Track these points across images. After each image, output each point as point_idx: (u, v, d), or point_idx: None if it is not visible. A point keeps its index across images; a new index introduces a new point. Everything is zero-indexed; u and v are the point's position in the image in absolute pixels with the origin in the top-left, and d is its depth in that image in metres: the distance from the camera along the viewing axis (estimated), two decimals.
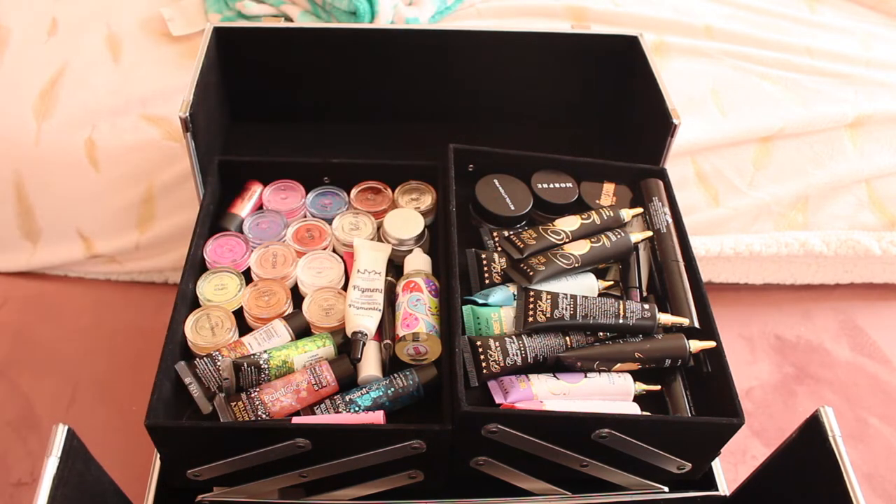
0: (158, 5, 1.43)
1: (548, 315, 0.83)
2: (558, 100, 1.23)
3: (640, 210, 0.98)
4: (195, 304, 0.90)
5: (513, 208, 0.98)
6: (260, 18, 1.35)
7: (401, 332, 0.84)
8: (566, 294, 0.85)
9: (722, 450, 0.81)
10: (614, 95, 1.20)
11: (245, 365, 0.82)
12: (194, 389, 0.81)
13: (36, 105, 1.27)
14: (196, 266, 0.92)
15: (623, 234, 0.92)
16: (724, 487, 0.88)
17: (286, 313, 0.89)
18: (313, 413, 0.80)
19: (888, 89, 1.40)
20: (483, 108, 1.23)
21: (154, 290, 1.42)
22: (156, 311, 1.37)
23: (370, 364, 0.85)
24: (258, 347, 0.85)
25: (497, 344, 0.81)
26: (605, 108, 1.23)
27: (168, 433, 0.75)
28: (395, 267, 0.96)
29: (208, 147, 1.06)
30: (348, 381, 0.84)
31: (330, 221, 1.00)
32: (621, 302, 0.85)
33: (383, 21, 1.30)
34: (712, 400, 0.82)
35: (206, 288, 0.91)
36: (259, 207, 1.03)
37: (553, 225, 0.94)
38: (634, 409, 0.82)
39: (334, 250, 0.99)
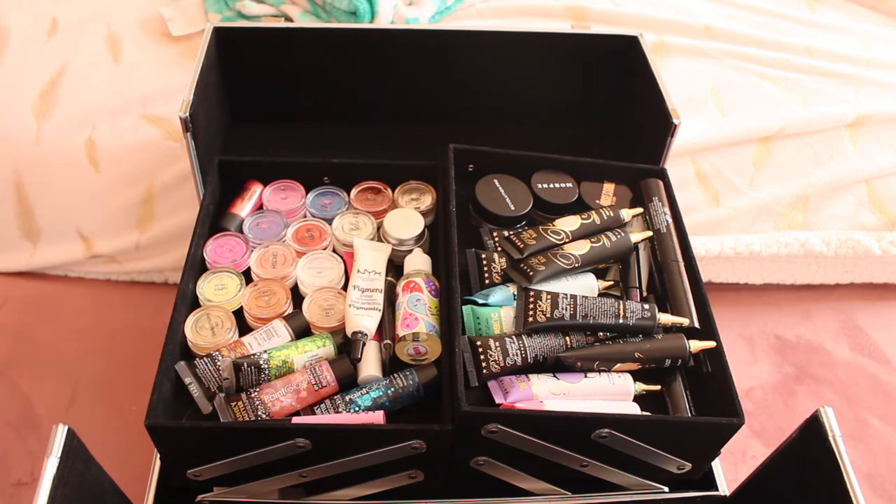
0: (158, 5, 1.43)
1: (548, 315, 0.83)
2: (558, 100, 1.22)
3: (640, 210, 0.98)
4: (195, 304, 0.90)
5: (513, 208, 0.98)
6: (260, 18, 1.35)
7: (401, 332, 0.84)
8: (566, 294, 0.85)
9: (722, 450, 0.81)
10: (614, 95, 1.20)
11: (245, 365, 0.82)
12: (194, 389, 0.81)
13: (36, 105, 1.27)
14: (196, 266, 0.92)
15: (623, 234, 0.92)
16: (724, 487, 0.88)
17: (286, 313, 0.89)
18: (313, 413, 0.80)
19: (888, 89, 1.40)
20: (483, 108, 1.23)
21: (154, 290, 1.42)
22: (156, 311, 1.37)
23: (370, 364, 0.85)
24: (258, 347, 0.85)
25: (497, 344, 0.81)
26: (605, 108, 1.23)
27: (168, 433, 0.75)
28: (395, 267, 0.96)
29: (208, 147, 1.06)
30: (348, 381, 0.83)
31: (330, 221, 1.00)
32: (621, 302, 0.85)
33: (383, 21, 1.30)
34: (712, 400, 0.82)
35: (206, 288, 0.91)
36: (259, 207, 1.03)
37: (553, 225, 0.94)
38: (634, 409, 0.82)
39: (334, 250, 0.99)
